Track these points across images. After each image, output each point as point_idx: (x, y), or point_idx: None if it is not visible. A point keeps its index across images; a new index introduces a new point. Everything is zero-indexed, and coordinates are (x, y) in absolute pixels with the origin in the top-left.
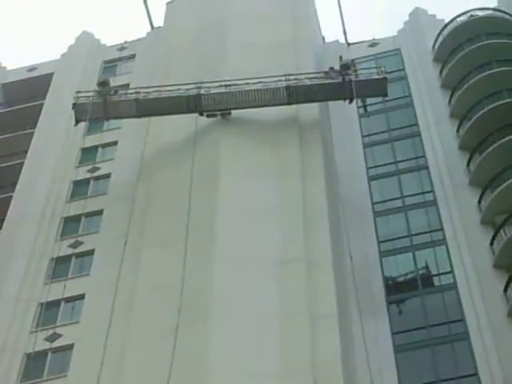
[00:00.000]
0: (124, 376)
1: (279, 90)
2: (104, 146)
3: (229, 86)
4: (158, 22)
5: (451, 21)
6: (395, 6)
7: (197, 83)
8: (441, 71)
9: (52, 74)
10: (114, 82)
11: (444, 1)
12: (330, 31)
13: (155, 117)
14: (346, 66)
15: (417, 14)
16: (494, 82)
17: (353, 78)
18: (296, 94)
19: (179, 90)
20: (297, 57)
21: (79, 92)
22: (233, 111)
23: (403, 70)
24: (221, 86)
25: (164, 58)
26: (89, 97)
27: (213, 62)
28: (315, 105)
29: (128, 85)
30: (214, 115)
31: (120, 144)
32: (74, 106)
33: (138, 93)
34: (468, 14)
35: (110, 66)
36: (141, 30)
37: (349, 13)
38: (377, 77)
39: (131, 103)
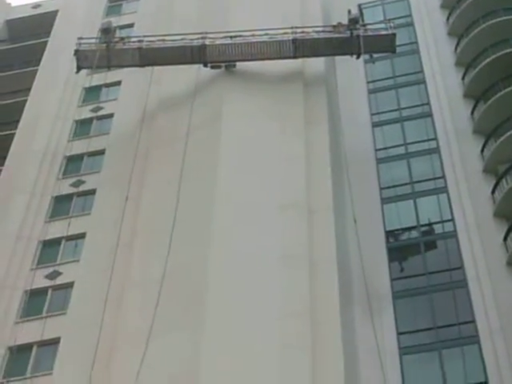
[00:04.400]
0: (124, 314)
1: (285, 43)
2: (108, 85)
3: (234, 37)
4: None
5: None
6: None
7: (202, 33)
8: (448, 18)
9: (57, 11)
10: (119, 21)
11: None
12: None
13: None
14: (354, 21)
15: None
16: (500, 30)
17: (361, 33)
18: (302, 47)
19: (184, 39)
20: (303, 5)
21: (81, 38)
22: (237, 63)
23: (410, 16)
24: (226, 37)
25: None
26: (91, 44)
27: (218, 9)
28: (321, 59)
29: (132, 25)
30: (219, 66)
31: (124, 84)
32: (76, 52)
33: (142, 41)
34: None
35: (114, 5)
36: None
37: None
38: (385, 32)
39: (134, 52)
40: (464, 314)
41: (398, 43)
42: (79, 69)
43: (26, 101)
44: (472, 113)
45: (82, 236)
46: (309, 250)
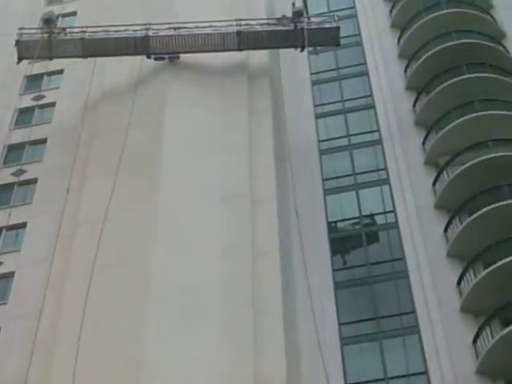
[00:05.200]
0: (65, 304)
1: (230, 35)
2: (50, 74)
3: (178, 28)
4: None
5: None
6: None
7: (145, 25)
8: (391, 10)
9: None
10: (61, 9)
11: None
12: None
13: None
14: (298, 14)
15: None
16: (443, 23)
17: (305, 25)
18: (246, 39)
19: (127, 30)
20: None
21: (23, 29)
22: (181, 55)
23: (354, 7)
24: (170, 28)
25: None
26: (33, 34)
27: None
28: (265, 51)
29: (75, 13)
30: (162, 58)
31: (66, 73)
32: (17, 43)
33: (84, 32)
34: None
35: None
36: None
37: None
38: (329, 25)
39: (77, 43)
40: (405, 305)
41: (341, 35)
42: (20, 59)
43: None
44: (414, 105)
45: (23, 226)
46: (251, 241)
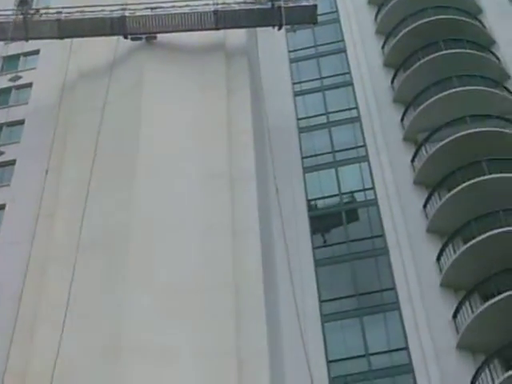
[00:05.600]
0: (45, 285)
1: (207, 15)
2: (26, 54)
3: (155, 8)
4: None
5: None
6: None
7: (122, 5)
8: None
9: None
10: None
11: None
12: None
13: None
14: None
15: None
16: None
17: (282, 4)
18: (224, 19)
19: (103, 11)
20: None
21: None
22: (158, 35)
23: None
24: (146, 8)
25: None
26: (8, 15)
27: None
28: (243, 29)
29: None
30: (139, 38)
31: (42, 53)
32: None
33: (60, 13)
34: None
35: None
36: None
37: None
38: (306, 3)
39: (53, 24)
40: (385, 282)
41: (318, 13)
42: None
43: None
44: (392, 82)
45: (2, 207)
46: (231, 220)
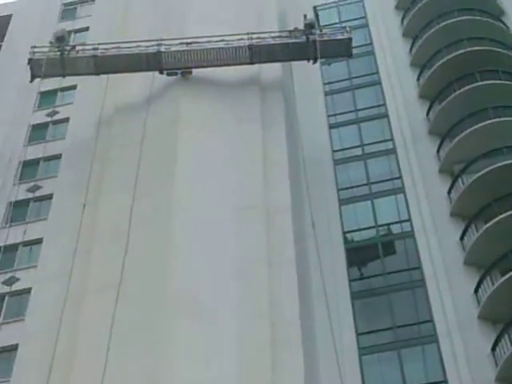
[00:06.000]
0: (83, 319)
1: (241, 49)
2: (63, 89)
3: (190, 43)
4: None
5: None
6: None
7: (157, 40)
8: (402, 20)
9: (10, 15)
10: (74, 25)
11: None
12: None
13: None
14: (310, 26)
15: None
16: (454, 31)
17: (317, 37)
18: (259, 53)
19: (139, 47)
20: (259, 9)
21: (35, 47)
22: (194, 70)
23: (365, 17)
24: (182, 43)
25: (124, 3)
26: (45, 52)
27: (173, 11)
28: (278, 64)
29: (88, 28)
30: (175, 73)
31: (79, 88)
32: (30, 61)
33: (96, 49)
34: None
35: (69, 8)
36: None
37: None
38: (341, 37)
39: (89, 60)
40: (422, 314)
41: (353, 45)
42: (33, 78)
43: None
44: (427, 113)
45: (39, 241)
46: (267, 253)
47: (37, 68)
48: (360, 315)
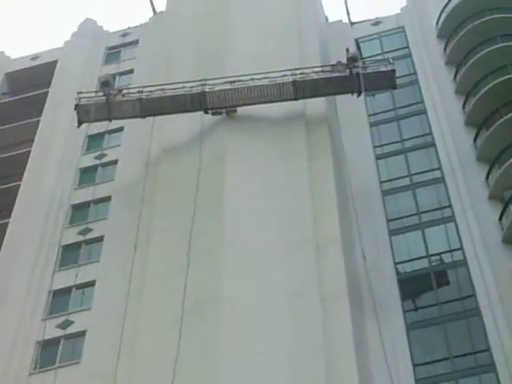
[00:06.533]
0: (138, 360)
1: (285, 86)
2: (110, 132)
3: (234, 82)
4: (161, 6)
5: None
6: None
7: (201, 80)
8: (445, 48)
9: (56, 61)
10: (118, 68)
11: None
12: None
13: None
14: (353, 59)
15: None
16: (498, 56)
17: (360, 70)
18: (303, 88)
19: (183, 87)
20: (301, 44)
21: (81, 93)
22: (238, 108)
23: (407, 47)
24: (225, 82)
25: (167, 44)
26: (91, 97)
27: (216, 51)
28: (322, 98)
29: (132, 71)
30: (220, 113)
31: (126, 130)
32: (76, 107)
33: (141, 92)
34: None
35: (113, 52)
36: (144, 15)
37: None
38: (385, 69)
39: (135, 103)
40: (479, 343)
41: (396, 75)
42: (80, 123)
43: (29, 152)
44: (475, 140)
45: (92, 284)
46: (319, 287)
47: (83, 113)
48: (415, 346)
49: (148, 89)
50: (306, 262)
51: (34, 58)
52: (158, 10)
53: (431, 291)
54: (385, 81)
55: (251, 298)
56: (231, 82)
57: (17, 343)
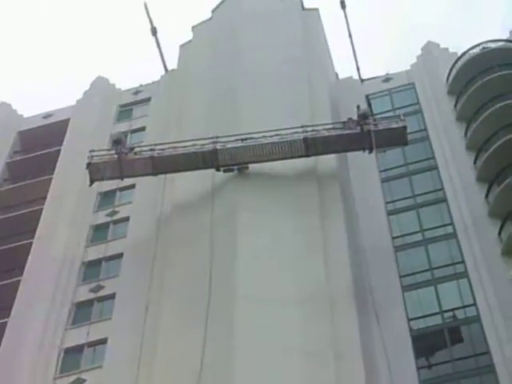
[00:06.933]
0: None
1: (296, 143)
2: (122, 189)
3: (245, 139)
4: (172, 64)
5: (464, 53)
6: (407, 41)
7: (212, 138)
8: (455, 104)
9: (68, 119)
10: (130, 125)
11: (456, 34)
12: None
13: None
14: (364, 116)
15: (429, 48)
16: (509, 112)
17: (372, 128)
18: (314, 145)
19: (195, 145)
20: (312, 100)
21: (93, 151)
22: (250, 165)
23: (418, 103)
24: (237, 140)
25: (178, 102)
26: (102, 156)
27: (227, 108)
28: (333, 154)
29: (144, 128)
30: (231, 170)
31: (138, 187)
32: (88, 165)
33: (153, 150)
34: (480, 47)
35: (125, 109)
36: (155, 73)
37: (361, 48)
38: (396, 126)
39: (146, 161)
40: None
41: (408, 131)
42: (92, 182)
43: (41, 210)
44: (486, 196)
45: (104, 341)
46: (332, 344)
47: (95, 172)
48: None
49: (160, 147)
50: (319, 319)
51: (47, 116)
52: (169, 68)
53: (445, 348)
54: (396, 137)
55: (264, 355)
56: (243, 140)
57: None
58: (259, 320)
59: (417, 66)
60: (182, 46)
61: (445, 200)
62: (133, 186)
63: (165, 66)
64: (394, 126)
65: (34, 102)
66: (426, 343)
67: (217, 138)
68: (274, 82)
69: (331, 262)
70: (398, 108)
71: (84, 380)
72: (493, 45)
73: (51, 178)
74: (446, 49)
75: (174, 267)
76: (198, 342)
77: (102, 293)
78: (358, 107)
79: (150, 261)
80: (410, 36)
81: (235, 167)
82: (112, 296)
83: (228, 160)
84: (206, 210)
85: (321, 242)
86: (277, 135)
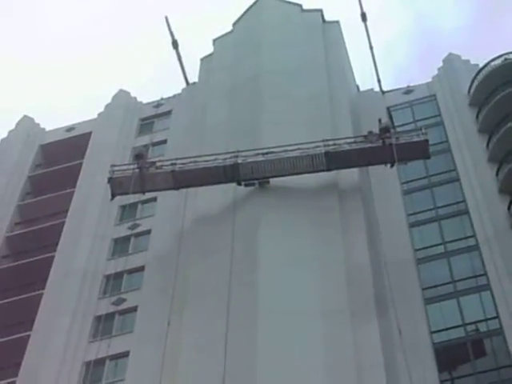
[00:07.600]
0: None
1: (318, 157)
2: (143, 202)
3: (266, 154)
4: (193, 77)
5: (485, 65)
6: (429, 53)
7: (233, 152)
8: (477, 115)
9: (90, 133)
10: (152, 139)
11: (477, 46)
12: (364, 79)
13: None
14: (385, 129)
15: (451, 60)
16: None
17: (393, 141)
18: (335, 159)
19: (216, 159)
20: (333, 113)
21: (114, 166)
22: (271, 179)
23: (439, 115)
24: (258, 154)
25: (199, 115)
26: (124, 170)
27: (248, 121)
28: (355, 168)
29: (165, 141)
30: (252, 184)
31: (159, 200)
32: (110, 180)
33: (175, 164)
34: (502, 58)
35: (146, 123)
36: (176, 86)
37: (382, 60)
38: (418, 139)
39: (168, 175)
40: None
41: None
42: (114, 196)
43: (63, 223)
44: (509, 208)
45: (126, 355)
46: (354, 356)
47: (117, 186)
48: None
49: (181, 161)
50: (342, 331)
51: (69, 129)
52: (190, 81)
53: (468, 361)
54: (418, 151)
55: (287, 367)
56: (264, 154)
57: None
58: (281, 332)
59: (438, 77)
60: (202, 59)
61: (467, 212)
62: (154, 199)
63: (186, 79)
64: (416, 139)
65: (57, 115)
66: (448, 356)
67: (238, 152)
68: (295, 95)
69: (353, 274)
70: (419, 120)
71: None
72: None
73: (73, 192)
74: (468, 60)
75: (196, 280)
76: (220, 354)
77: (123, 306)
78: (380, 121)
79: (172, 274)
80: (431, 48)
81: (256, 181)
82: (134, 309)
83: (249, 174)
84: (227, 223)
85: (342, 254)
86: (298, 149)
